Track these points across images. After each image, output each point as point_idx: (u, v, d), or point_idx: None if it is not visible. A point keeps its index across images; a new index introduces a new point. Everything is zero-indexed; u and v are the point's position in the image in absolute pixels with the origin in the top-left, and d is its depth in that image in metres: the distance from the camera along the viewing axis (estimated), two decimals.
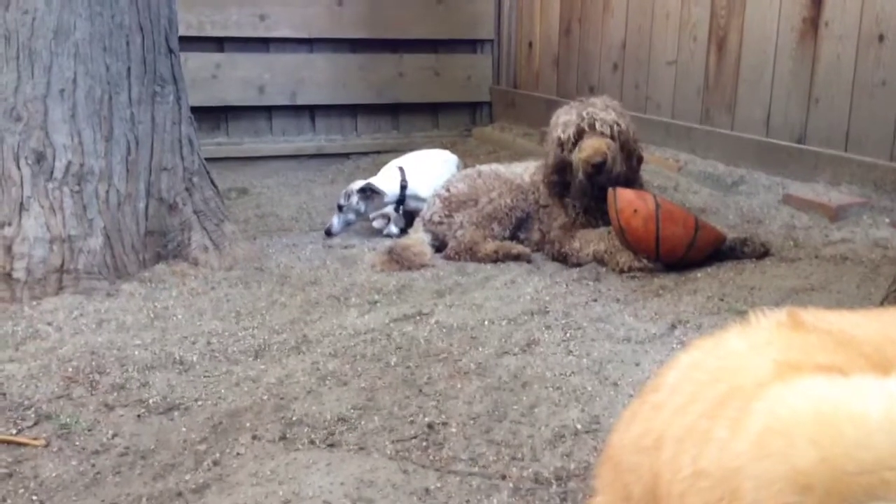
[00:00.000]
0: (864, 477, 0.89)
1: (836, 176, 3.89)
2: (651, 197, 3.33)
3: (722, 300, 2.91)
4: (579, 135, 3.50)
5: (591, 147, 3.45)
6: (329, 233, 3.97)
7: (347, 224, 4.04)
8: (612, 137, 3.48)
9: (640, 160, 3.70)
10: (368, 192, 4.03)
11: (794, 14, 4.08)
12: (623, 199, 3.33)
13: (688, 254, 3.27)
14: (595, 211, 3.58)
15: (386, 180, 4.13)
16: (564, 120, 3.56)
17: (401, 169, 4.18)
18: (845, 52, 3.85)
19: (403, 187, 4.12)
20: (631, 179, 3.58)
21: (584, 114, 3.51)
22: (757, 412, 1.02)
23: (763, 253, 3.35)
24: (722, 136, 4.52)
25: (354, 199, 4.01)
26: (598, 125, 3.48)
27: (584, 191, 3.54)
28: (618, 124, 3.50)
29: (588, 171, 3.47)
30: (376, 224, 4.21)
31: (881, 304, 2.44)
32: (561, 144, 3.54)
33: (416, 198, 4.11)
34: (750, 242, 3.37)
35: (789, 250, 3.38)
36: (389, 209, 4.17)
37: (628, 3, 5.15)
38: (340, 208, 4.02)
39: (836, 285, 2.95)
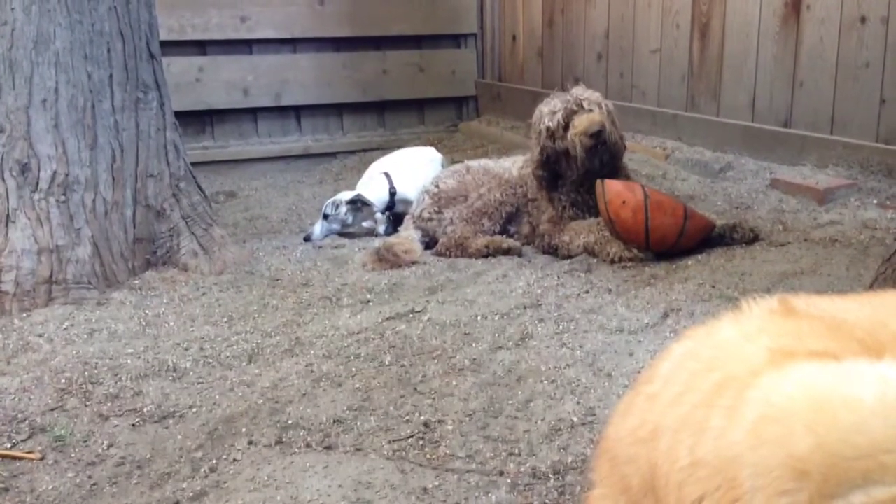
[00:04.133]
0: (860, 461, 0.89)
1: (822, 159, 3.90)
2: (640, 187, 3.33)
3: (713, 287, 2.92)
4: (569, 117, 3.50)
5: (586, 120, 3.45)
6: (308, 239, 3.93)
7: (330, 233, 4.00)
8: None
9: (622, 145, 3.69)
10: (359, 205, 4.02)
11: None
12: (611, 190, 3.33)
13: (678, 242, 3.27)
14: (583, 204, 3.58)
15: (374, 189, 4.12)
16: (550, 108, 3.56)
17: (387, 175, 4.17)
18: (828, 35, 3.86)
19: (392, 194, 4.12)
20: (616, 168, 3.58)
21: (569, 97, 3.52)
22: (752, 400, 1.02)
23: (752, 238, 3.35)
24: (708, 123, 4.53)
25: (343, 209, 3.99)
26: (586, 104, 3.49)
27: (588, 168, 3.47)
28: (606, 104, 3.52)
29: (587, 143, 3.43)
30: (365, 224, 4.20)
31: (871, 285, 2.45)
32: (551, 134, 3.52)
33: (405, 201, 4.10)
34: (739, 228, 3.37)
35: (778, 235, 3.39)
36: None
37: None
38: (326, 216, 3.99)
39: (826, 268, 2.96)
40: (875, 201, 3.54)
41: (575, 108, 3.50)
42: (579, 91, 3.56)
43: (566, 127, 3.49)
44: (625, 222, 3.29)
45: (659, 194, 3.37)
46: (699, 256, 3.27)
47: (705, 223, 3.33)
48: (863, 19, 3.70)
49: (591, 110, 3.48)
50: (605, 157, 3.47)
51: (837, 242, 3.21)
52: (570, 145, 3.47)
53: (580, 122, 3.45)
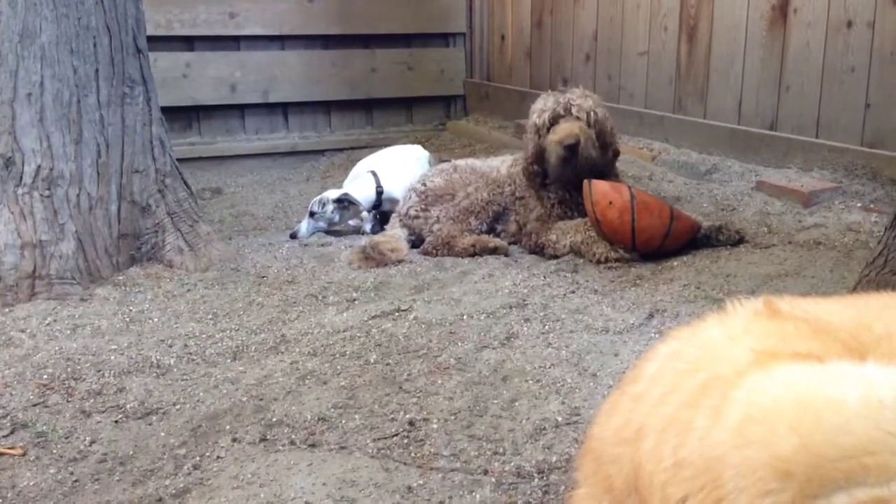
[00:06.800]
0: (843, 462, 0.90)
1: (807, 162, 3.92)
2: (626, 188, 3.34)
3: (698, 288, 2.93)
4: (554, 119, 3.50)
5: (564, 129, 3.45)
6: (294, 237, 3.92)
7: (316, 231, 3.99)
8: (587, 124, 3.49)
9: (616, 153, 3.71)
10: (345, 203, 4.00)
11: (762, 2, 4.10)
12: (598, 190, 3.33)
13: (664, 244, 3.29)
14: (571, 202, 3.58)
15: (361, 188, 4.11)
16: (541, 106, 3.57)
17: (374, 174, 4.16)
18: (814, 39, 3.88)
19: (379, 192, 4.11)
20: (606, 172, 3.59)
21: (561, 99, 3.52)
22: (736, 401, 1.02)
23: (738, 240, 3.37)
24: (695, 125, 4.54)
25: (330, 208, 3.98)
26: (574, 110, 3.48)
27: (560, 176, 3.52)
28: (595, 112, 3.51)
29: (560, 153, 3.44)
30: (352, 222, 4.20)
31: (854, 288, 2.46)
32: (537, 131, 3.54)
33: (392, 200, 4.09)
34: (725, 230, 3.39)
35: (763, 237, 3.41)
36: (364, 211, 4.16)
37: None
38: (312, 214, 3.97)
39: (811, 270, 2.98)
40: (859, 205, 3.57)
41: (562, 112, 3.49)
42: (574, 95, 3.54)
43: (550, 128, 3.50)
44: (611, 223, 3.29)
45: (645, 195, 3.38)
46: (685, 258, 3.29)
47: (691, 224, 3.35)
48: (849, 24, 3.72)
49: (577, 117, 3.48)
50: (575, 169, 3.46)
51: (822, 245, 3.23)
52: (548, 151, 3.49)
53: (559, 131, 3.46)
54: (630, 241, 3.29)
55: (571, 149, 3.42)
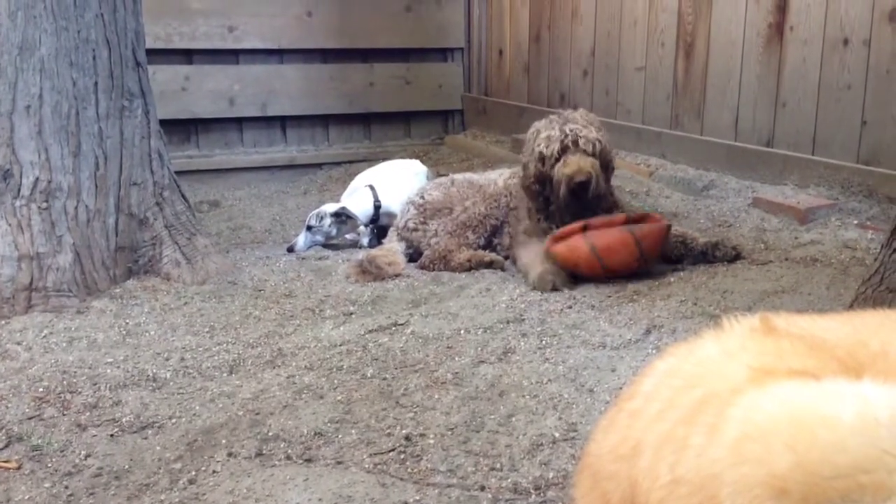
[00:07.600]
0: (839, 481, 0.90)
1: (803, 178, 3.94)
2: (581, 239, 3.25)
3: (695, 304, 2.93)
4: (563, 151, 3.49)
5: (576, 164, 3.43)
6: (291, 250, 3.92)
7: (313, 245, 3.99)
8: (594, 155, 3.48)
9: (612, 170, 3.71)
10: (343, 217, 4.01)
11: (759, 19, 4.13)
12: (559, 256, 3.26)
13: (642, 265, 3.27)
14: (558, 221, 3.55)
15: (359, 202, 4.11)
16: (547, 135, 3.52)
17: (372, 188, 4.16)
18: (811, 57, 3.91)
19: (377, 207, 4.11)
20: (604, 193, 3.57)
21: (568, 130, 3.49)
22: (733, 418, 1.02)
23: (734, 256, 3.38)
24: (692, 141, 4.56)
25: (327, 221, 3.98)
26: (581, 143, 3.47)
27: (567, 208, 3.50)
28: (599, 142, 3.50)
29: (572, 187, 3.44)
30: (349, 235, 4.20)
31: (851, 305, 2.47)
32: (542, 159, 3.51)
33: (389, 214, 4.09)
34: (721, 246, 3.39)
35: (760, 253, 3.42)
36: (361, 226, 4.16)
37: (596, 10, 5.19)
38: (310, 228, 3.98)
39: (807, 287, 2.98)
40: (855, 222, 3.58)
41: (570, 145, 3.48)
42: (578, 125, 3.50)
43: (558, 159, 3.49)
44: (583, 272, 3.26)
45: (605, 235, 3.26)
46: (681, 273, 3.29)
47: (658, 230, 3.28)
48: (845, 42, 3.75)
49: (585, 150, 3.48)
50: (585, 202, 3.47)
51: (818, 262, 3.24)
52: (556, 181, 3.49)
53: (570, 165, 3.44)
54: (605, 277, 3.27)
55: (583, 185, 3.43)
